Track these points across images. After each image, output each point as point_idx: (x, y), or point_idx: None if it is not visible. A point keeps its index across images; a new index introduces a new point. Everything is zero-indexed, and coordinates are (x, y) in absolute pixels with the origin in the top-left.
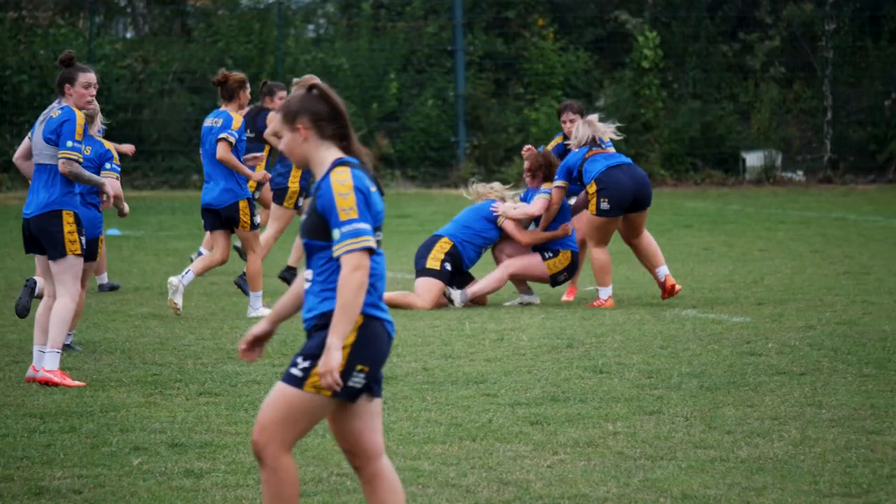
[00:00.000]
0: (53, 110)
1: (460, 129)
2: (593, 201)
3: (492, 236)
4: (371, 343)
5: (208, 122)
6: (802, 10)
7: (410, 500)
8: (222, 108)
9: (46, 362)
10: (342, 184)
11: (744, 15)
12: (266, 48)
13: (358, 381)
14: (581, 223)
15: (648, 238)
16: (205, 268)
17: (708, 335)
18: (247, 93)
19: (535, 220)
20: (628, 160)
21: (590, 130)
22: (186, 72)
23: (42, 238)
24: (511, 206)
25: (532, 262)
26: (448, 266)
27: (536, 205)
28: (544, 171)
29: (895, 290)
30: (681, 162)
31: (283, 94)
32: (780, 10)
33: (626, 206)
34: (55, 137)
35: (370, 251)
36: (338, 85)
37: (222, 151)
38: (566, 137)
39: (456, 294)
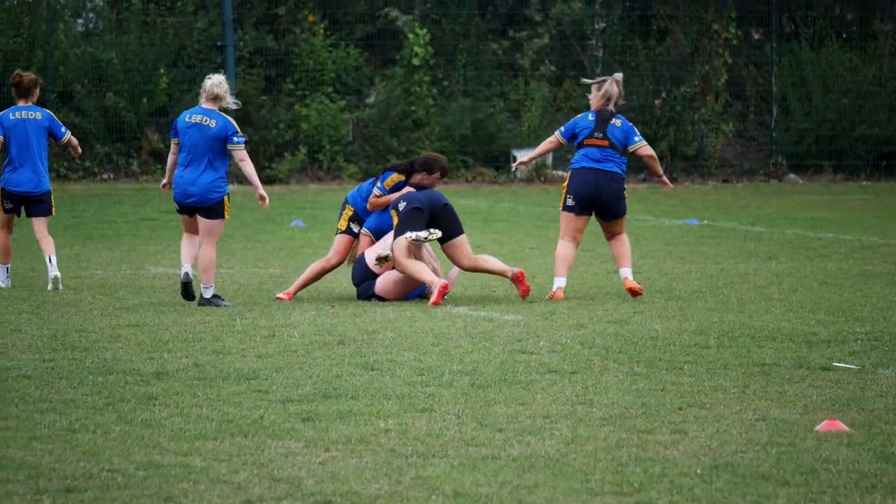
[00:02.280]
0: None
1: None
2: (563, 195)
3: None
4: None
5: (21, 114)
6: (572, 8)
7: (181, 496)
8: (27, 104)
9: None
10: None
11: (514, 13)
12: (35, 42)
13: None
14: None
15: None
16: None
17: (479, 333)
18: (37, 90)
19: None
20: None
21: (616, 90)
22: None
23: None
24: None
25: None
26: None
27: None
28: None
29: (665, 290)
30: (452, 160)
31: None
32: (549, 9)
33: (588, 207)
34: None
35: None
36: (108, 80)
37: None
38: None
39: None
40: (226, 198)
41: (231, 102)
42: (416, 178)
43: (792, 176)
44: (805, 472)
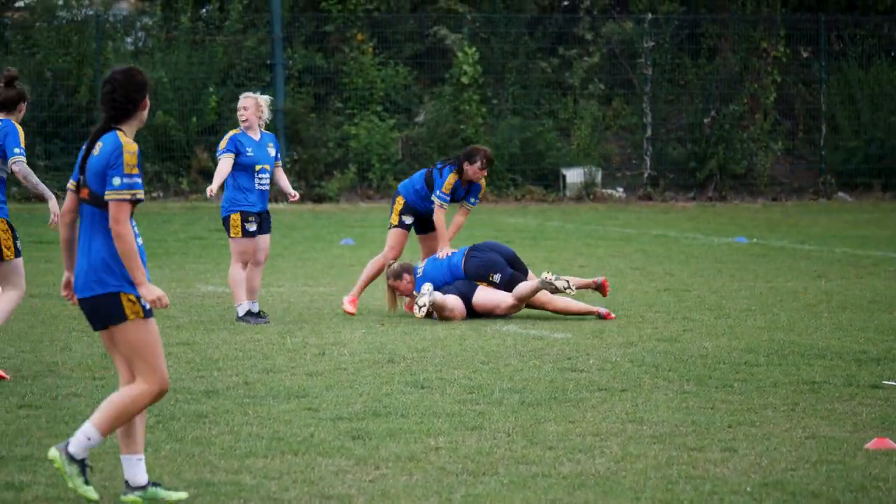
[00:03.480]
0: None
1: (280, 143)
2: None
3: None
4: None
5: None
6: (622, 27)
7: None
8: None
9: None
10: None
11: (563, 31)
12: (85, 60)
13: None
14: None
15: None
16: None
17: (529, 351)
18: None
19: None
20: None
21: None
22: None
23: None
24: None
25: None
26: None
27: None
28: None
29: (715, 307)
30: (501, 178)
31: None
32: (599, 27)
33: None
34: None
35: None
36: (157, 98)
37: None
38: None
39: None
40: (230, 217)
41: (263, 118)
42: (468, 172)
43: (841, 194)
44: (855, 489)
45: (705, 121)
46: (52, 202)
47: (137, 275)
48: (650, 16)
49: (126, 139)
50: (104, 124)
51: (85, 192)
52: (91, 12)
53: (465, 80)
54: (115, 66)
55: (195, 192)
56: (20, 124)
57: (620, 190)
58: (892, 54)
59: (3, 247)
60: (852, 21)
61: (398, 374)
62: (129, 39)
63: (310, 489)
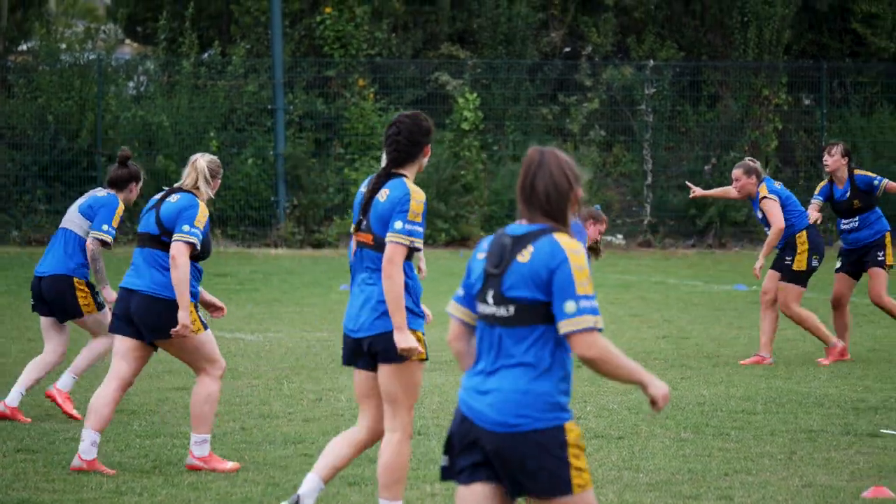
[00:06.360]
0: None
1: (280, 188)
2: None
3: None
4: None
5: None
6: (622, 73)
7: None
8: None
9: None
10: None
11: (564, 77)
12: (86, 104)
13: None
14: None
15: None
16: None
17: None
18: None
19: None
20: None
21: None
22: (6, 127)
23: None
24: None
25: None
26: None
27: None
28: None
29: (713, 355)
30: (501, 224)
31: None
32: (599, 74)
33: None
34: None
35: None
36: (157, 142)
37: None
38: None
39: None
40: None
41: None
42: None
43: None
44: None
45: (706, 168)
46: (108, 291)
47: (397, 318)
48: (651, 62)
49: (414, 187)
50: (387, 168)
51: (368, 238)
52: (93, 56)
53: (465, 125)
54: (402, 112)
55: None
56: (131, 203)
57: (620, 237)
58: (895, 102)
59: (81, 303)
60: (854, 68)
61: None
62: (130, 83)
63: None
